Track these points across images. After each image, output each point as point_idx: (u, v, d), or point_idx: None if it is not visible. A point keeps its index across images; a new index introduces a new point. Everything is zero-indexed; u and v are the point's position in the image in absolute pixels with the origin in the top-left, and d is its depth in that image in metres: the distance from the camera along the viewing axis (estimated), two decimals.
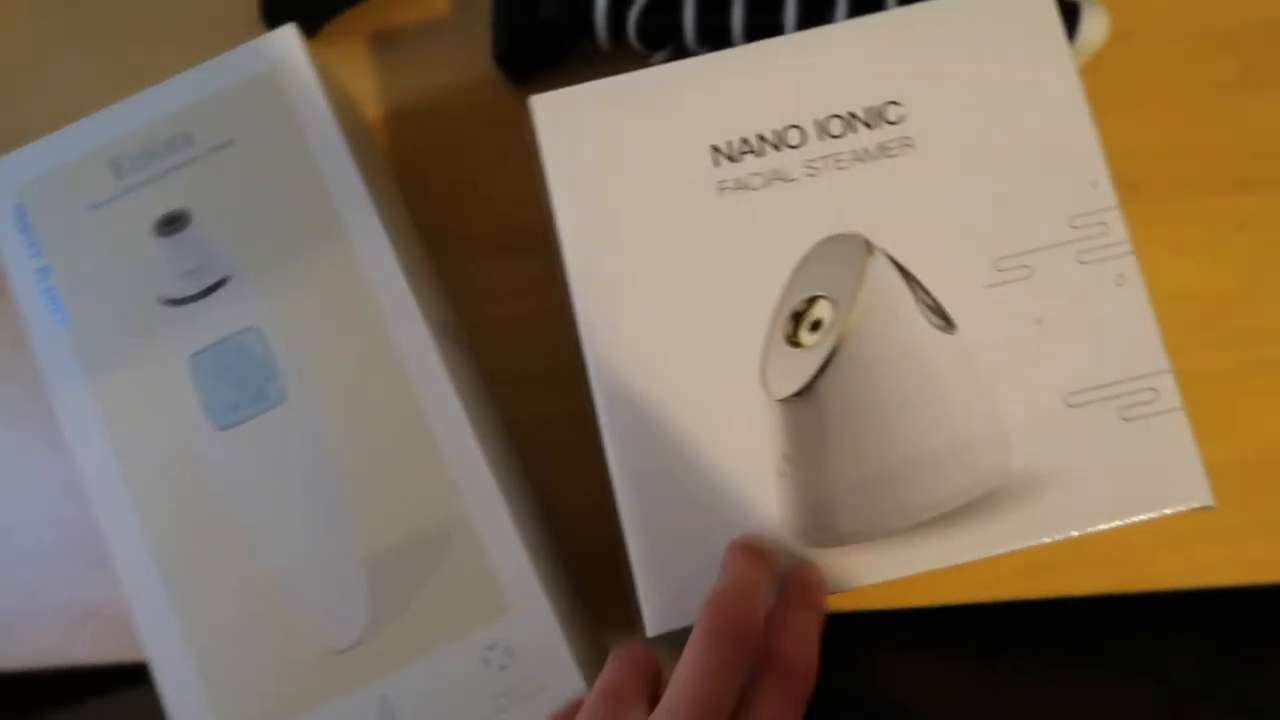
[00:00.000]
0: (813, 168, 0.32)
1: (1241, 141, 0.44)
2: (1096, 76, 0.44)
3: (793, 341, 0.31)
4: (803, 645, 0.29)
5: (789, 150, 0.32)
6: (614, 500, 0.38)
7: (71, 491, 0.44)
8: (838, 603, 0.42)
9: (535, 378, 0.44)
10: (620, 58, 0.44)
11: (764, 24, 0.41)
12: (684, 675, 0.26)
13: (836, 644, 0.49)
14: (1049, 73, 0.33)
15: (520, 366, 0.44)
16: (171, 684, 0.33)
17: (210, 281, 0.35)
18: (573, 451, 0.42)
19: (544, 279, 0.43)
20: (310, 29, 0.46)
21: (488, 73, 0.46)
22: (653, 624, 0.30)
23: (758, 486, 0.31)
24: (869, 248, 0.32)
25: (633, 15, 0.42)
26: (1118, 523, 0.30)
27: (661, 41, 0.43)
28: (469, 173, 0.46)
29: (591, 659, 0.35)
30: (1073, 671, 0.45)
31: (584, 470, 0.42)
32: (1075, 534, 0.30)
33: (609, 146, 0.33)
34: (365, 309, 0.35)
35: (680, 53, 0.42)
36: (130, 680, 0.38)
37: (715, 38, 0.41)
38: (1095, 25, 0.41)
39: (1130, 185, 0.44)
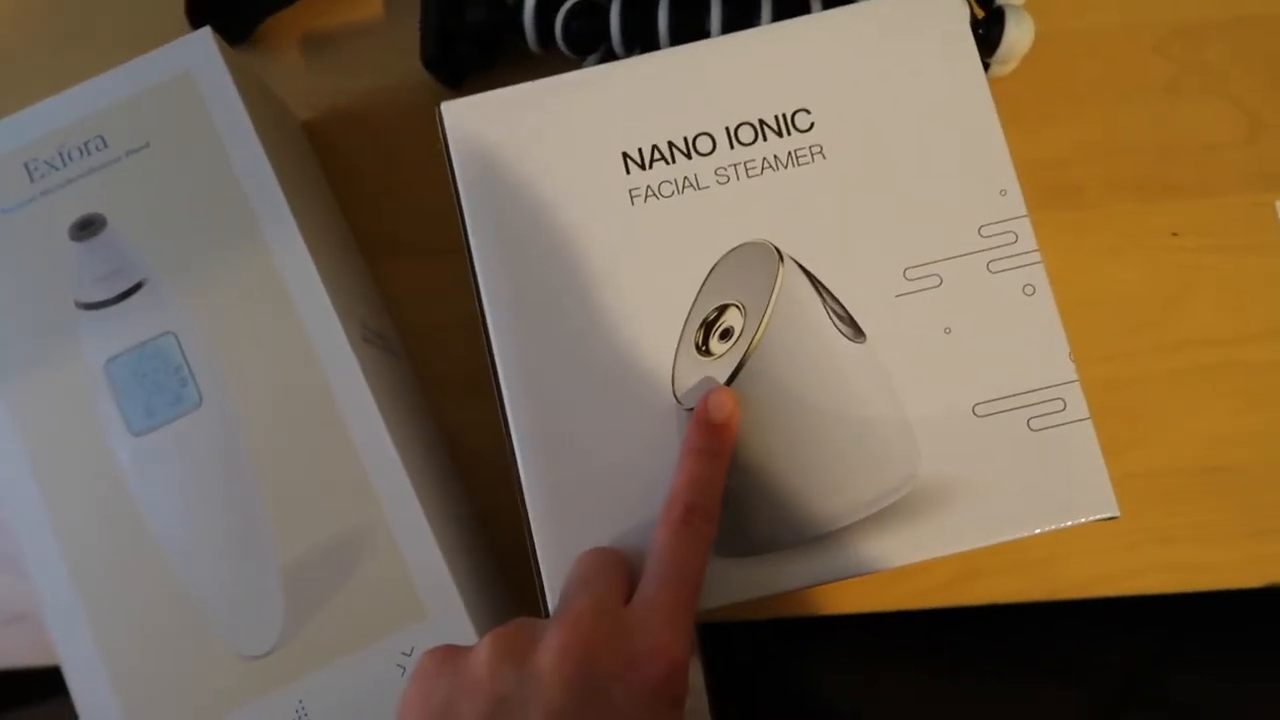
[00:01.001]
0: (723, 175, 0.32)
1: (1174, 146, 0.45)
2: (1029, 79, 0.44)
3: (703, 350, 0.31)
4: (701, 491, 0.30)
5: (700, 158, 0.32)
6: None
7: None
8: (774, 609, 0.42)
9: (471, 382, 0.44)
10: (552, 62, 0.44)
11: (689, 29, 0.40)
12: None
13: (776, 654, 0.50)
14: (959, 81, 0.33)
15: (456, 371, 0.44)
16: (84, 689, 0.33)
17: (126, 286, 0.35)
18: (504, 452, 0.42)
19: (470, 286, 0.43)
20: (241, 32, 0.46)
21: (420, 76, 0.45)
22: None
23: (666, 493, 0.31)
24: (779, 256, 0.32)
25: (559, 20, 0.42)
26: (1025, 533, 0.30)
27: (590, 46, 0.43)
28: (402, 176, 0.45)
29: None
30: (1005, 679, 0.45)
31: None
32: (983, 545, 0.30)
33: (519, 154, 0.33)
34: (281, 312, 0.35)
35: (609, 57, 0.42)
36: (57, 686, 0.38)
37: (641, 42, 0.41)
38: (1020, 29, 0.41)
39: (1068, 189, 0.44)
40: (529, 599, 0.41)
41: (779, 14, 0.40)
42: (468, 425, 0.43)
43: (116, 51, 0.38)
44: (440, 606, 0.33)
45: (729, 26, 0.40)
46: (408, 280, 0.45)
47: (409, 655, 0.33)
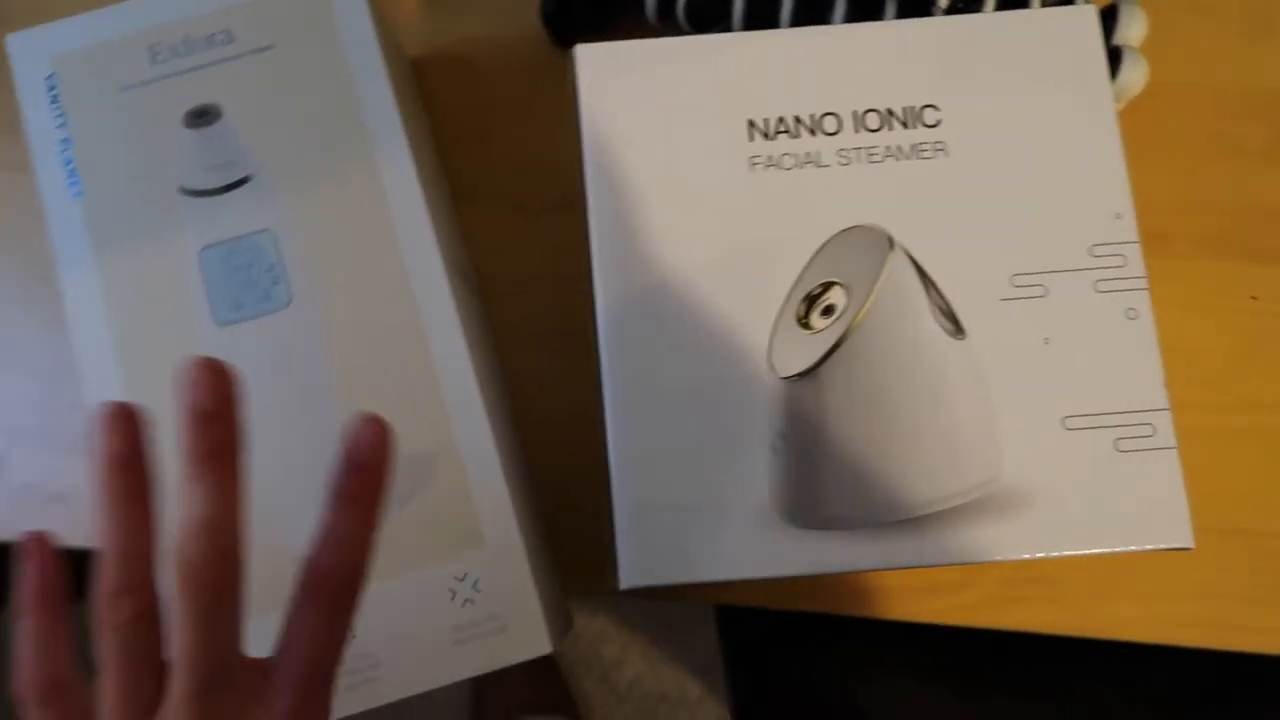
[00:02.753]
0: (845, 157, 0.32)
1: (1261, 212, 0.45)
2: (1127, 124, 0.45)
3: (803, 323, 0.31)
4: (342, 551, 0.26)
5: (824, 137, 0.33)
6: (602, 462, 0.38)
7: (51, 377, 0.44)
8: (802, 603, 0.42)
9: (537, 338, 0.44)
10: (665, 33, 0.44)
11: (811, 17, 0.41)
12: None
13: (816, 657, 0.49)
14: (1088, 102, 0.33)
15: (524, 324, 0.44)
16: None
17: (232, 178, 0.35)
18: (563, 412, 0.43)
19: (563, 243, 0.44)
20: None
21: (533, 31, 0.46)
22: (626, 578, 0.30)
23: (749, 458, 0.31)
24: (890, 242, 0.32)
25: None
26: (1098, 550, 0.30)
27: (708, 24, 0.43)
28: (499, 125, 0.46)
29: (554, 617, 0.34)
30: (1019, 707, 0.45)
31: (573, 431, 0.42)
32: (1056, 555, 0.30)
33: (647, 105, 0.33)
34: (382, 230, 0.35)
35: None
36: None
37: (761, 25, 0.42)
38: (1135, 73, 0.41)
39: (1153, 236, 0.45)
40: (563, 563, 0.41)
41: (901, 14, 0.40)
42: (529, 378, 0.43)
43: None
44: (499, 537, 0.33)
45: (851, 20, 0.40)
46: (487, 229, 0.45)
47: (461, 581, 0.33)
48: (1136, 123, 0.45)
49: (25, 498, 0.43)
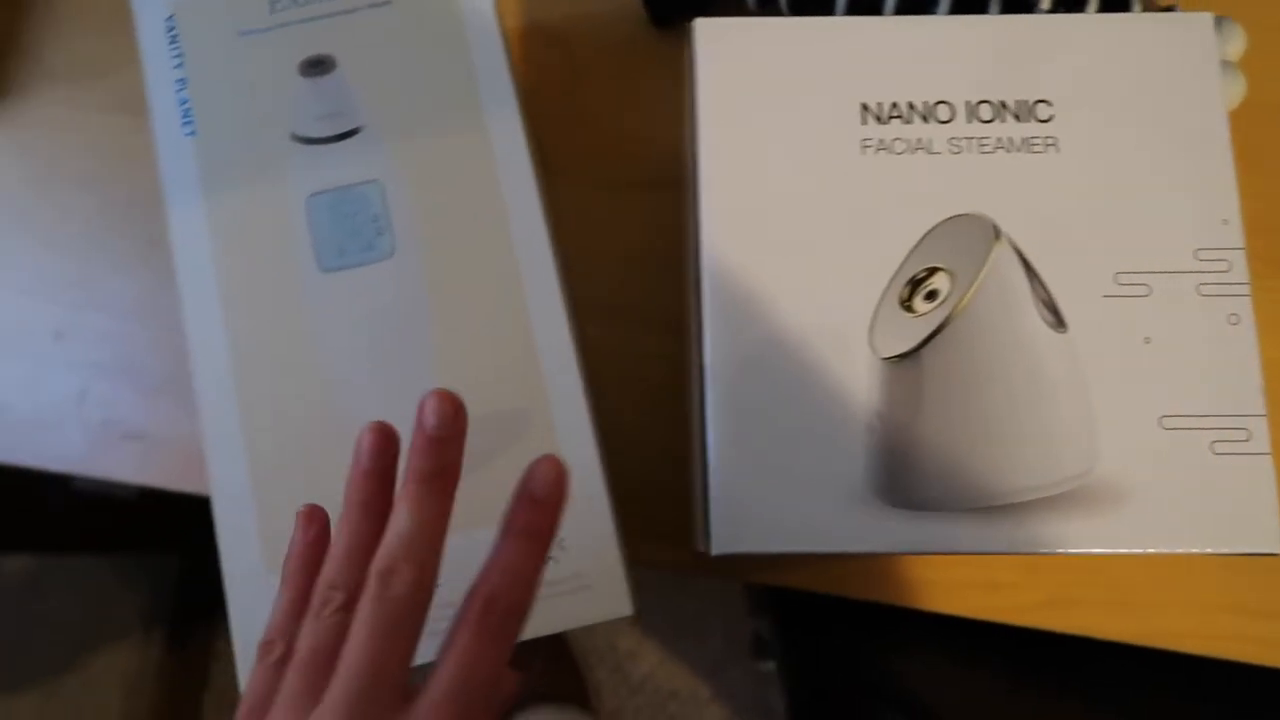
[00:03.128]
0: (956, 145, 0.33)
1: None
2: None
3: (906, 306, 0.32)
4: (508, 582, 0.27)
5: (936, 124, 0.33)
6: (673, 441, 0.38)
7: (134, 316, 0.44)
8: (872, 594, 0.42)
9: (610, 312, 0.44)
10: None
11: (915, 9, 0.41)
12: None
13: (868, 641, 0.50)
14: (1200, 108, 0.33)
15: (599, 298, 0.44)
16: (227, 506, 0.33)
17: (344, 128, 0.35)
18: (634, 388, 0.43)
19: (647, 221, 0.44)
20: None
21: (630, 9, 0.46)
22: (719, 544, 0.31)
23: (846, 436, 0.31)
24: (997, 232, 0.32)
25: None
26: (1187, 550, 0.31)
27: (809, 13, 0.43)
28: (589, 102, 0.46)
29: (632, 581, 0.35)
30: (1069, 709, 0.45)
31: (642, 408, 0.42)
32: (1143, 551, 0.31)
33: (763, 83, 0.33)
34: (489, 188, 0.35)
35: None
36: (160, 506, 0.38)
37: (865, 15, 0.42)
38: (1232, 88, 0.41)
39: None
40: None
41: (1006, 10, 0.41)
42: (600, 352, 0.43)
43: None
44: (586, 498, 0.34)
45: (955, 13, 0.41)
46: (571, 203, 0.45)
47: None
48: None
49: (102, 434, 0.44)
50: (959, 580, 0.42)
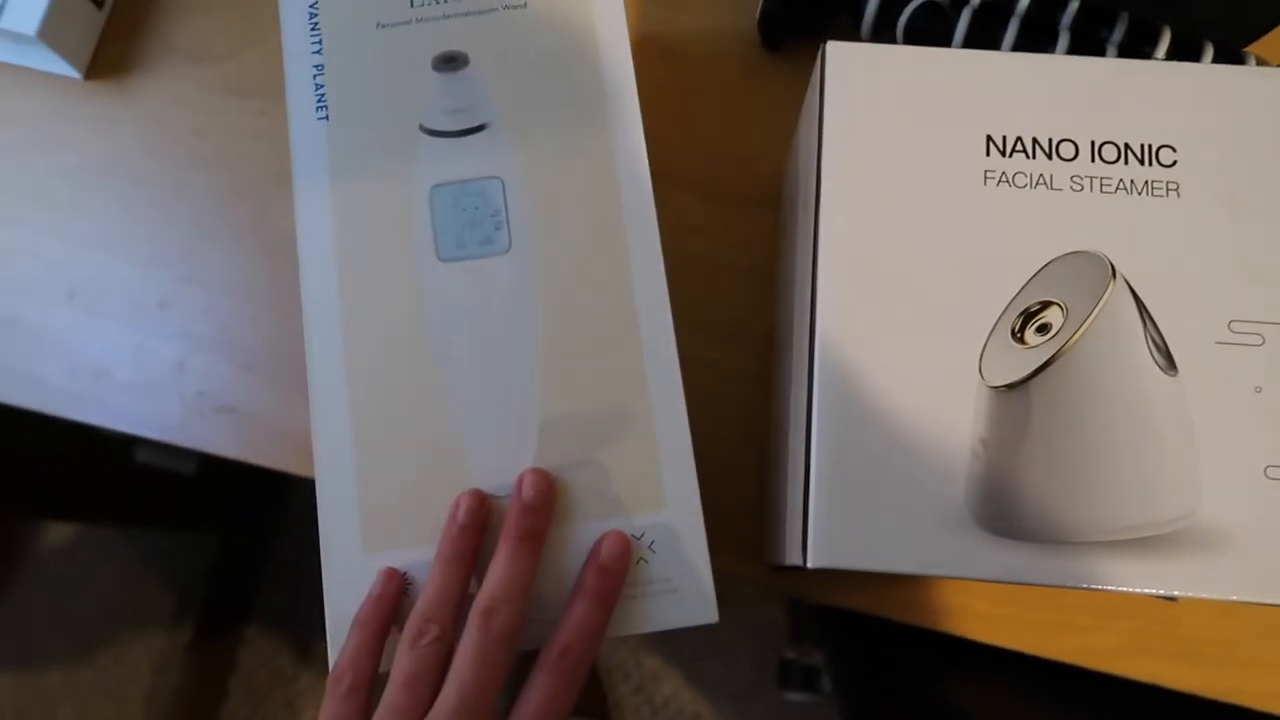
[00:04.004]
0: (1079, 184, 0.33)
1: None
2: None
3: (1018, 337, 0.32)
4: (578, 635, 0.32)
5: (1059, 161, 0.33)
6: (762, 460, 0.39)
7: (236, 293, 0.45)
8: (945, 627, 0.43)
9: (705, 324, 0.45)
10: None
11: (1033, 49, 0.42)
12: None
13: (930, 674, 0.50)
14: None
15: (693, 310, 0.45)
16: (329, 478, 0.34)
17: (472, 124, 0.36)
18: (721, 402, 0.43)
19: (749, 237, 0.45)
20: None
21: (744, 30, 0.47)
22: (816, 558, 0.31)
23: (949, 459, 0.31)
24: (1113, 271, 0.32)
25: (905, 13, 0.43)
26: None
27: (924, 43, 0.44)
28: (703, 119, 0.47)
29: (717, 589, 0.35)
30: None
31: (727, 420, 0.43)
32: (1237, 599, 0.31)
33: (890, 107, 0.34)
34: (605, 191, 0.36)
35: None
36: (242, 477, 0.40)
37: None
38: None
39: None
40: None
41: (1122, 54, 0.41)
42: (690, 364, 0.44)
43: None
44: (680, 503, 0.34)
45: (1071, 54, 0.41)
46: (674, 213, 0.46)
47: (639, 539, 0.34)
48: None
49: (197, 405, 0.45)
50: (1035, 620, 0.42)
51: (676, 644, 1.18)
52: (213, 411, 0.44)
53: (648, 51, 0.47)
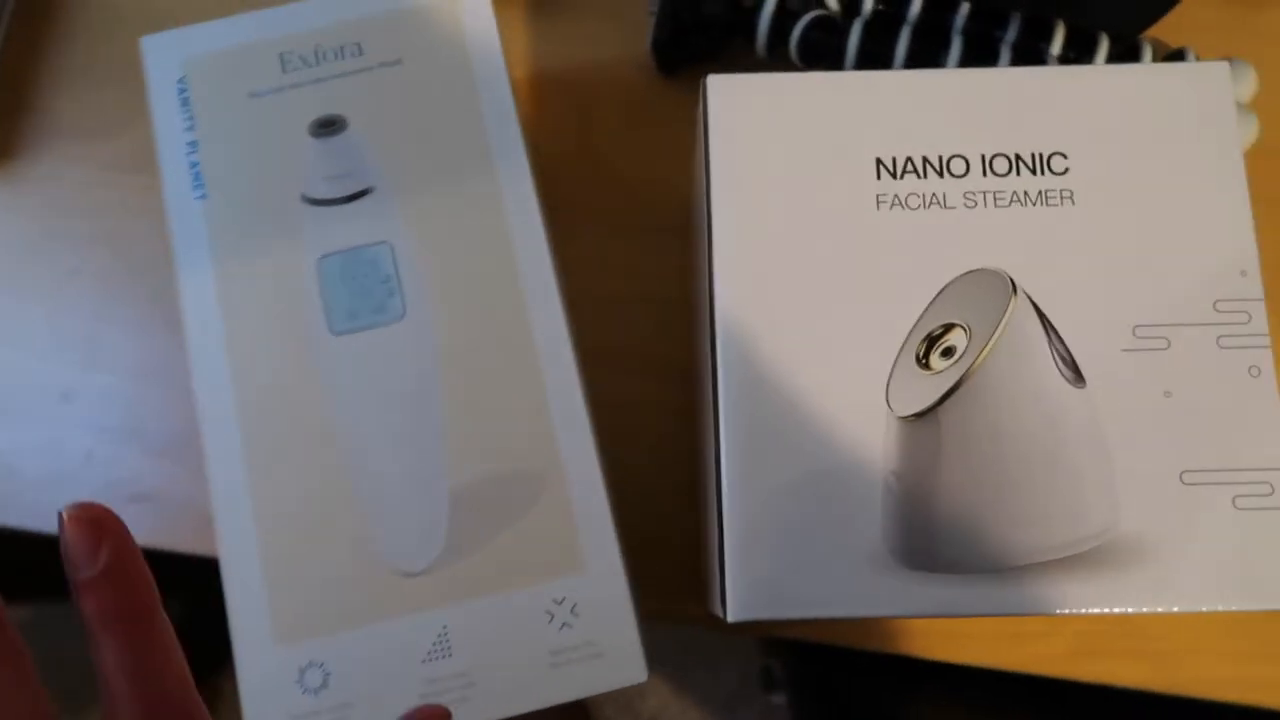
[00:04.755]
0: (971, 200, 0.33)
1: None
2: None
3: (923, 363, 0.31)
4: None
5: (951, 178, 0.33)
6: (684, 487, 0.38)
7: (141, 377, 0.44)
8: (894, 648, 0.42)
9: (621, 360, 0.44)
10: (771, 67, 0.45)
11: (925, 62, 0.41)
12: None
13: (883, 690, 0.49)
14: (1217, 159, 0.33)
15: (608, 345, 0.44)
16: (236, 574, 0.33)
17: (355, 189, 0.35)
18: (644, 437, 0.43)
19: (658, 267, 0.44)
20: None
21: (637, 56, 0.46)
22: (735, 610, 0.30)
23: (863, 495, 0.31)
24: (1013, 287, 0.32)
25: (797, 29, 0.43)
26: (1213, 608, 0.30)
27: (819, 60, 0.43)
28: (600, 150, 0.46)
29: (646, 643, 0.34)
30: None
31: (654, 456, 0.42)
32: (1167, 610, 0.30)
33: (777, 137, 0.33)
34: (500, 248, 0.35)
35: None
36: (165, 569, 0.38)
37: (874, 66, 0.42)
38: (1245, 131, 0.41)
39: None
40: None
41: (1016, 62, 0.41)
42: (609, 401, 0.43)
43: None
44: (599, 563, 0.33)
45: (964, 64, 0.41)
46: (580, 248, 0.45)
47: (560, 604, 0.33)
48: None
49: (109, 496, 0.43)
50: (982, 631, 0.42)
51: (660, 655, 1.17)
52: (126, 501, 0.43)
53: (543, 87, 0.46)
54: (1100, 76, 0.34)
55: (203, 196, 0.35)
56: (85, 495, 0.43)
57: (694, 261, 0.41)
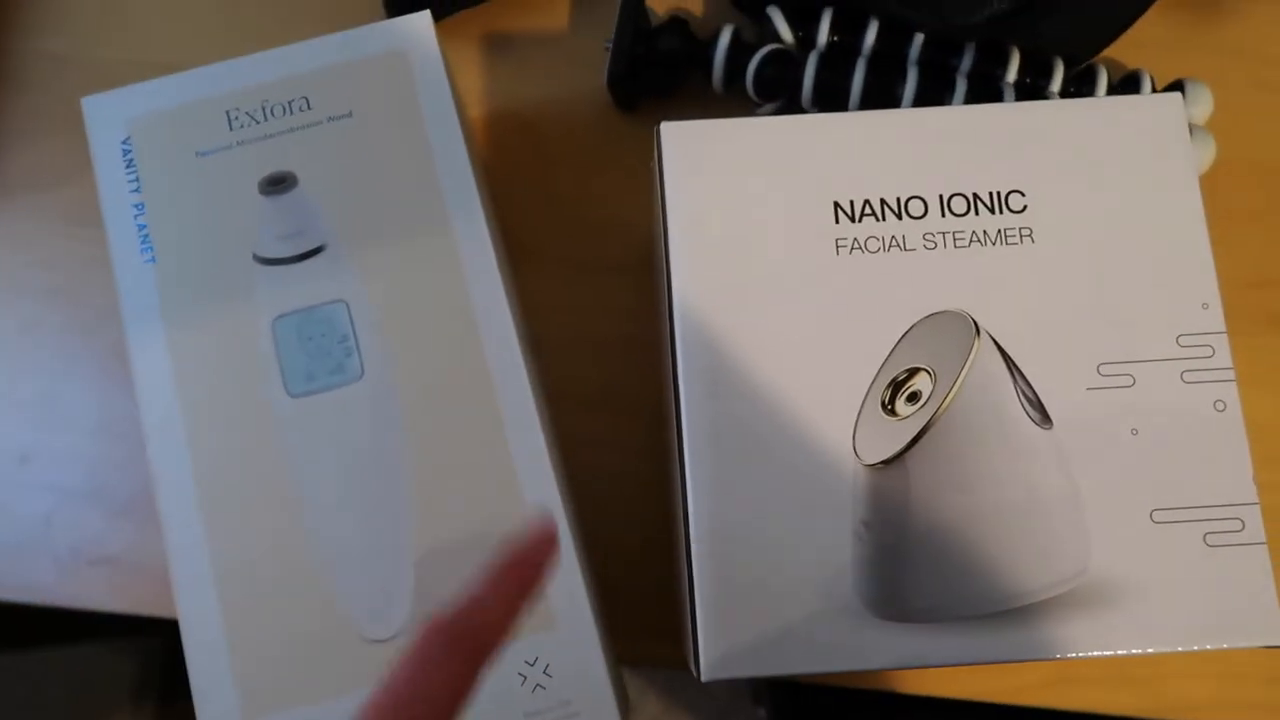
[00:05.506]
0: (931, 241, 0.32)
1: None
2: None
3: (888, 410, 0.31)
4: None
5: (910, 220, 0.32)
6: (656, 530, 0.38)
7: (102, 435, 0.43)
8: (874, 683, 0.42)
9: (589, 400, 0.44)
10: (728, 101, 0.45)
11: (882, 94, 0.41)
12: None
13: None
14: (1174, 189, 0.33)
15: (576, 386, 0.44)
16: (198, 644, 0.32)
17: (307, 247, 0.35)
18: (614, 478, 0.42)
19: (623, 305, 0.43)
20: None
21: (594, 93, 0.46)
22: (708, 670, 0.30)
23: (833, 546, 0.30)
24: (976, 328, 0.31)
25: (753, 63, 0.42)
26: (1187, 648, 0.30)
27: (775, 94, 0.43)
28: (560, 188, 0.45)
29: (622, 698, 0.34)
30: None
31: (625, 499, 0.42)
32: (1142, 652, 0.30)
33: (732, 184, 0.33)
34: (457, 301, 0.34)
35: (791, 108, 0.43)
36: (130, 630, 0.37)
37: (831, 99, 0.42)
38: (1202, 152, 0.41)
39: None
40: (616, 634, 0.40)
41: (972, 95, 0.40)
42: (578, 442, 0.42)
43: (311, 28, 0.39)
44: (570, 621, 0.33)
45: (921, 98, 0.40)
46: (544, 289, 0.44)
47: (532, 665, 0.32)
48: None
49: (71, 560, 0.42)
50: None
51: (650, 674, 1.17)
52: (88, 565, 0.42)
53: (501, 127, 0.46)
54: (1055, 112, 0.33)
55: (151, 260, 0.35)
56: (46, 562, 0.42)
57: (657, 301, 0.41)
